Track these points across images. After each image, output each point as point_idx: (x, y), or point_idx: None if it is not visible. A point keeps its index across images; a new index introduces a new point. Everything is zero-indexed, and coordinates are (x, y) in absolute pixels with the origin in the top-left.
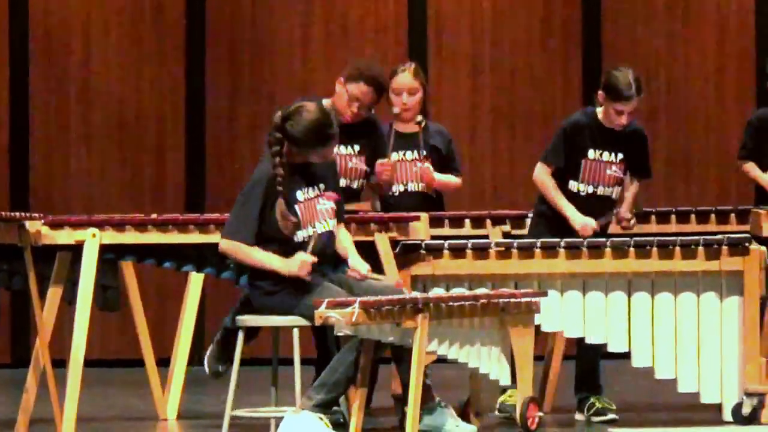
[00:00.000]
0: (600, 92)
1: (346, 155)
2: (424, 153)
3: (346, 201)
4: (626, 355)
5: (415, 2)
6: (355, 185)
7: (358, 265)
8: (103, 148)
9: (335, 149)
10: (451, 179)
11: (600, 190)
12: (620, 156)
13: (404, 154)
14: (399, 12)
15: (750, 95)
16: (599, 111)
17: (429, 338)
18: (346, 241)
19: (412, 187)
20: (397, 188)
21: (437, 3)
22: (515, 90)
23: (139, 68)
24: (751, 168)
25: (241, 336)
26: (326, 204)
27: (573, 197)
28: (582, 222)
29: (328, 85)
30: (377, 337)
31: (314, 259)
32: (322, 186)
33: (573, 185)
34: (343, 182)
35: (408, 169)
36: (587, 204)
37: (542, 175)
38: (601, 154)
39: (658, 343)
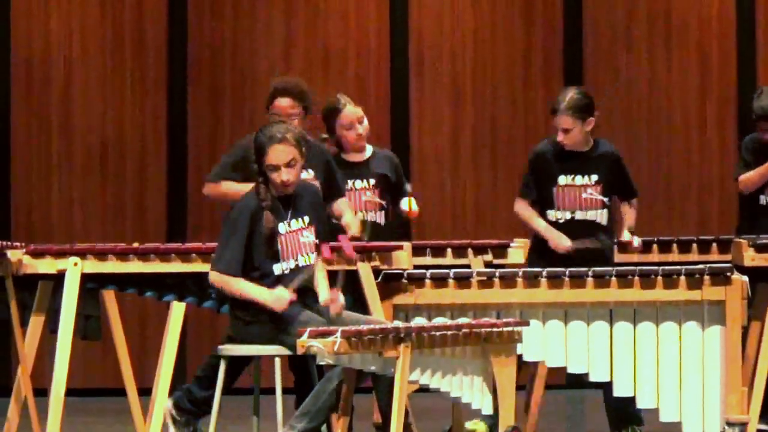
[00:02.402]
0: None
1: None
2: (373, 182)
3: None
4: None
5: (397, 30)
6: None
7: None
8: (84, 177)
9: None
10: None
11: (579, 215)
12: (595, 177)
13: (353, 183)
14: (381, 40)
15: (731, 124)
16: None
17: (411, 367)
18: (319, 277)
19: (362, 216)
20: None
21: (419, 31)
22: (497, 118)
23: (120, 97)
24: (747, 174)
25: (223, 365)
26: (309, 237)
27: (553, 226)
28: (556, 241)
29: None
30: (359, 367)
31: (293, 296)
32: (306, 219)
33: (551, 214)
34: None
35: (357, 199)
36: (569, 231)
37: (518, 207)
38: (573, 179)
39: (640, 372)
